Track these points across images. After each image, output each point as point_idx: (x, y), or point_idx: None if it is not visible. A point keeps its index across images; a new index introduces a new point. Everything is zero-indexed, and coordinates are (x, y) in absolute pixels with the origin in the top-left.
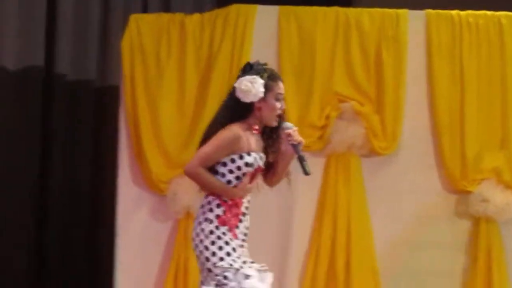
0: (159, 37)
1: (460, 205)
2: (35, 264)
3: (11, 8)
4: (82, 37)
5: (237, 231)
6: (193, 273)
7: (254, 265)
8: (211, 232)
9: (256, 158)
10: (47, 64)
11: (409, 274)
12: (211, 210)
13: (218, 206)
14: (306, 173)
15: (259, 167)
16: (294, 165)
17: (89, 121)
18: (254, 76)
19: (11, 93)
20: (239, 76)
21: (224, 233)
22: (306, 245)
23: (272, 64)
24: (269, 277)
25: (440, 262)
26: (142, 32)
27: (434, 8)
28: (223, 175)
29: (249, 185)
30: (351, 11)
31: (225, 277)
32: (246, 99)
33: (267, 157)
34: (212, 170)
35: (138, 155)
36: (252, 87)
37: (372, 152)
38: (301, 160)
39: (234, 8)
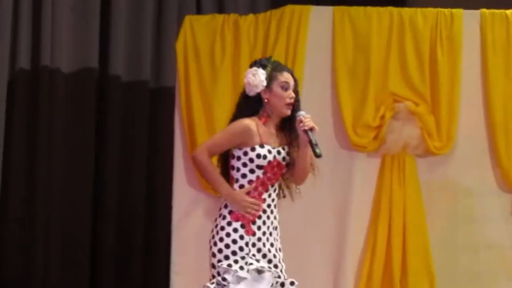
0: (213, 38)
1: None
2: (90, 265)
3: (65, 10)
4: (136, 38)
5: (253, 226)
6: None
7: (259, 264)
8: (222, 228)
9: (272, 151)
10: (101, 66)
11: (465, 275)
12: (226, 206)
13: None
14: (316, 155)
15: (277, 162)
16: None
17: (144, 123)
18: (256, 68)
19: (66, 96)
20: None
21: (235, 230)
22: (361, 246)
23: (326, 65)
24: (268, 276)
25: (496, 263)
26: (196, 33)
27: (488, 7)
28: (238, 169)
29: (251, 200)
30: (405, 11)
31: (224, 279)
32: (252, 91)
33: (291, 153)
34: (229, 165)
35: None
36: (254, 79)
37: (427, 152)
38: (312, 143)
39: (288, 8)
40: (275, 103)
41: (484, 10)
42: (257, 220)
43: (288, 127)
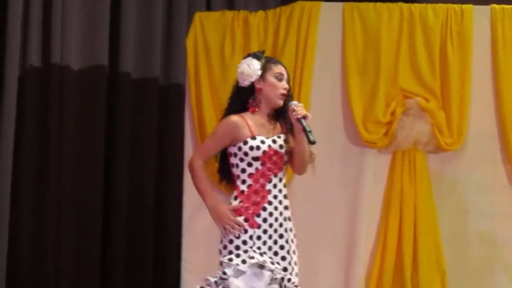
0: (223, 35)
1: None
2: (101, 259)
3: (75, 7)
4: (146, 35)
5: (258, 219)
6: None
7: (261, 258)
8: None
9: (265, 141)
10: (111, 63)
11: (476, 270)
12: (230, 203)
13: (235, 198)
14: (310, 142)
15: (274, 151)
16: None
17: (154, 119)
18: (250, 58)
19: (76, 93)
20: None
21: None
22: (372, 241)
23: (336, 61)
24: (267, 276)
25: (508, 259)
26: (206, 29)
27: (499, 3)
28: (237, 165)
29: (234, 219)
30: (415, 7)
31: (224, 273)
32: (245, 81)
33: (288, 142)
34: (229, 163)
35: None
36: (248, 68)
37: (438, 148)
38: (305, 131)
39: (298, 5)
40: (268, 93)
41: (494, 5)
42: (262, 212)
43: (282, 117)
